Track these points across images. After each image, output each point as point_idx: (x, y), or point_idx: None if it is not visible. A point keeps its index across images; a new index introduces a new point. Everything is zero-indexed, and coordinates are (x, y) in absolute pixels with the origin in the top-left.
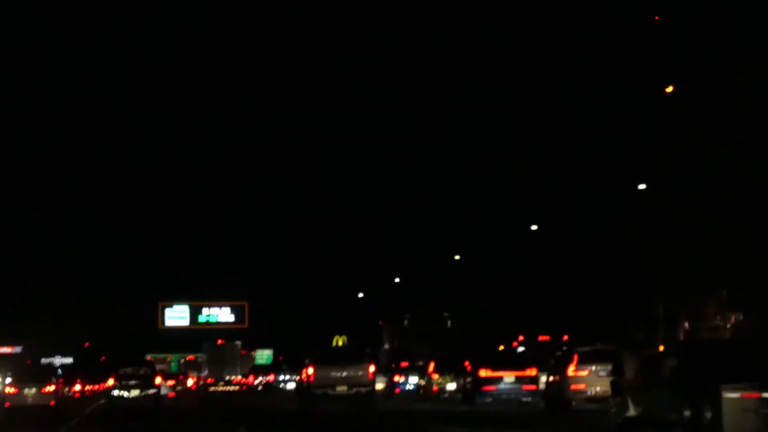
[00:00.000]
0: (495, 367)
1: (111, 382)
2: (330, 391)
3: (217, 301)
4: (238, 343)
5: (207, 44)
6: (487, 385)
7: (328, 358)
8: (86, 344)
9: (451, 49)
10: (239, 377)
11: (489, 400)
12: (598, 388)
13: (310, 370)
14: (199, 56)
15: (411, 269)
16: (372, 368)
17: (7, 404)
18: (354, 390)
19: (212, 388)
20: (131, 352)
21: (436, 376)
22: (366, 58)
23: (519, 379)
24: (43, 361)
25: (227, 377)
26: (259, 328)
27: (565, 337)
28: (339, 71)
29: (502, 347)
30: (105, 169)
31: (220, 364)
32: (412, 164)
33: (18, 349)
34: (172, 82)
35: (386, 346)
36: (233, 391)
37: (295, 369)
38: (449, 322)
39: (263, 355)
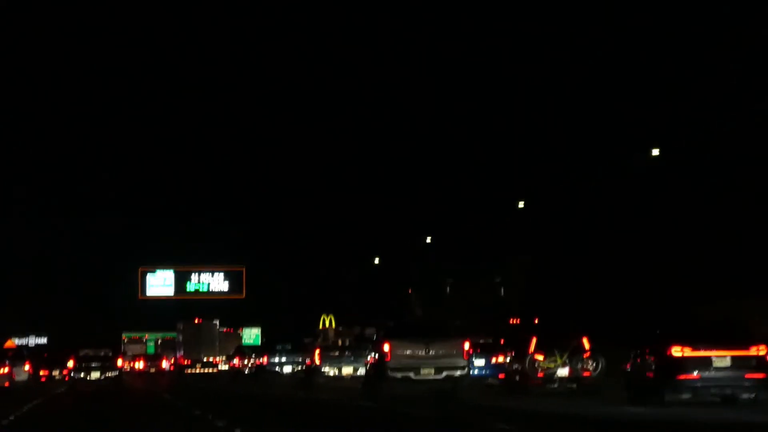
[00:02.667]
0: (697, 344)
1: (71, 364)
2: (413, 375)
3: (209, 265)
4: (216, 321)
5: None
6: (686, 372)
7: (408, 331)
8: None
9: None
10: (218, 359)
11: (686, 396)
12: None
13: (386, 347)
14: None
15: (447, 225)
16: (467, 345)
17: None
18: (444, 374)
19: (188, 371)
20: (105, 331)
21: (539, 357)
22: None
23: (738, 362)
24: (17, 341)
25: (205, 359)
26: (259, 299)
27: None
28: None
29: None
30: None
31: (196, 345)
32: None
33: None
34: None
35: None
36: (212, 374)
37: (298, 350)
38: (502, 290)
39: (251, 335)
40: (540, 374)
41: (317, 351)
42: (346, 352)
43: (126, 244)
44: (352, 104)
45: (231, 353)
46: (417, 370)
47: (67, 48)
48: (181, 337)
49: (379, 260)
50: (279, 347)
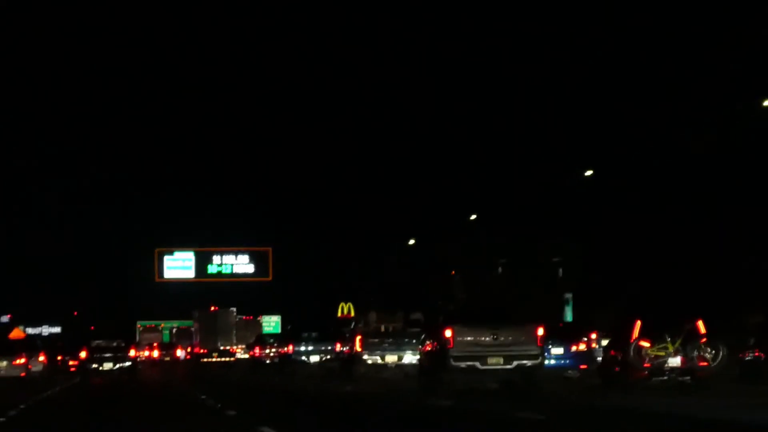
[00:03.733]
0: None
1: (83, 355)
2: (479, 365)
3: (232, 246)
4: (233, 309)
5: None
6: None
7: (473, 315)
8: (75, 313)
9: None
10: (236, 347)
11: None
12: None
13: (448, 333)
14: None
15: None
16: (540, 330)
17: None
18: (514, 363)
19: (205, 360)
20: (119, 319)
21: (645, 344)
22: None
23: None
24: (30, 331)
25: (222, 347)
26: (285, 283)
27: None
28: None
29: None
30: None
31: (212, 334)
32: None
33: (5, 319)
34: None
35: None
36: (230, 362)
37: (325, 338)
38: (560, 271)
39: (270, 322)
40: (646, 364)
41: (358, 337)
42: (389, 339)
43: (142, 226)
44: (352, 104)
45: (251, 342)
46: (483, 359)
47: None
48: (197, 326)
49: (416, 241)
50: (305, 335)
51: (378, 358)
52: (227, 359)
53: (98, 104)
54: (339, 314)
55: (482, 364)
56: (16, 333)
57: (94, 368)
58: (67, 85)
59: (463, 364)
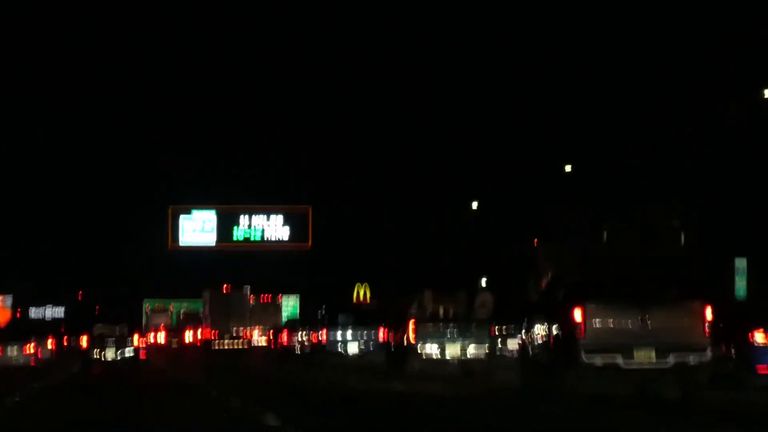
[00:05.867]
0: None
1: (84, 341)
2: (622, 361)
3: (263, 204)
4: (247, 287)
5: None
6: None
7: (611, 290)
8: (80, 293)
9: None
10: (250, 331)
11: None
12: None
13: (577, 315)
14: None
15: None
16: (708, 313)
17: None
18: (671, 360)
19: (216, 345)
20: (123, 298)
21: None
22: None
23: None
24: (33, 312)
25: (234, 331)
26: (324, 251)
27: None
28: None
29: None
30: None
31: (225, 316)
32: None
33: (8, 301)
34: None
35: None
36: (243, 349)
37: (364, 322)
38: (683, 236)
39: (288, 304)
40: None
41: (411, 323)
42: (451, 326)
43: (154, 183)
44: (352, 104)
45: (270, 326)
46: (628, 353)
47: None
48: (207, 308)
49: (479, 205)
50: (342, 318)
51: (436, 350)
52: (240, 345)
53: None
54: (354, 299)
55: (626, 360)
56: (2, 313)
57: (96, 357)
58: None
59: (599, 360)
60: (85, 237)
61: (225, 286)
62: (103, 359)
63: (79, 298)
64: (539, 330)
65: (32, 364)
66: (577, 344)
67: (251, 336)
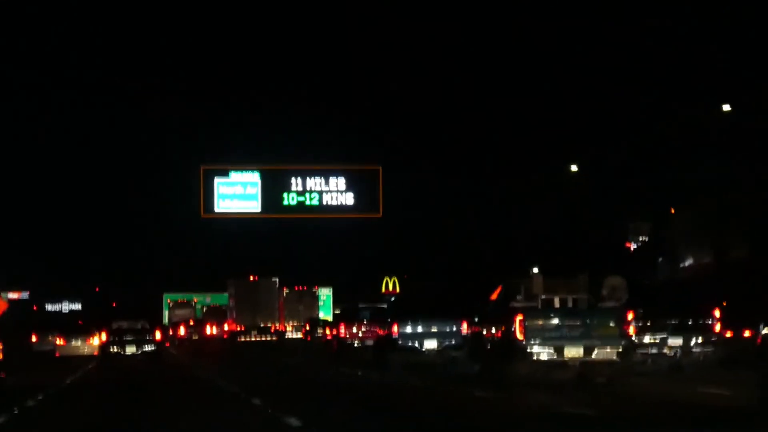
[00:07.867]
0: None
1: (103, 337)
2: None
3: (320, 163)
4: (276, 279)
5: None
6: None
7: None
8: (96, 288)
9: None
10: (279, 324)
11: None
12: None
13: None
14: None
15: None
16: None
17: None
18: None
19: (241, 338)
20: (143, 292)
21: None
22: None
23: None
24: (50, 307)
25: (262, 324)
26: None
27: None
28: None
29: None
30: None
31: (251, 308)
32: None
33: (25, 295)
34: None
35: (689, 262)
36: (272, 342)
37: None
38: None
39: (321, 296)
40: None
41: (519, 318)
42: (571, 321)
43: (184, 141)
44: (354, 101)
45: (307, 318)
46: None
47: None
48: (233, 300)
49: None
50: (419, 314)
51: (551, 350)
52: (267, 338)
53: None
54: (383, 290)
55: None
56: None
57: (116, 352)
58: None
59: None
60: (104, 218)
61: (251, 275)
62: (122, 354)
63: (96, 291)
64: None
65: (56, 355)
66: None
67: (283, 328)
